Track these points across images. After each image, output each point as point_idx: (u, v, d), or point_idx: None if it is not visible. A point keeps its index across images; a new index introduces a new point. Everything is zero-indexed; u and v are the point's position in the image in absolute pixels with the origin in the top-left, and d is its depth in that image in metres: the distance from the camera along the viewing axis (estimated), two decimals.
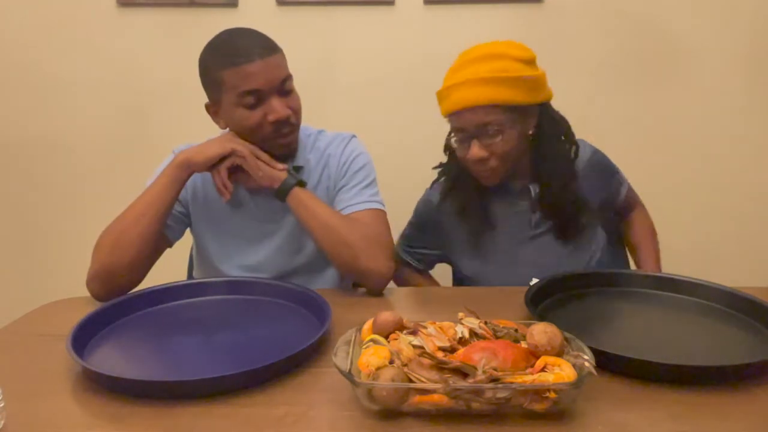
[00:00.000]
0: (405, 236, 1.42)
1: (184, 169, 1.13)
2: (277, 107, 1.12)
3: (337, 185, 1.25)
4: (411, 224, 1.41)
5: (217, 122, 1.20)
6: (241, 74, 1.09)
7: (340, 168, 1.26)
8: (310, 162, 1.26)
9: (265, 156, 1.16)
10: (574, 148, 1.25)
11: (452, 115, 1.17)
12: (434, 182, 1.35)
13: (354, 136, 1.32)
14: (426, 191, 1.37)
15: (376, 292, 1.15)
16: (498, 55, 1.13)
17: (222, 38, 1.15)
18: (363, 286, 1.18)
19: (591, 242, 1.32)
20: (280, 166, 1.17)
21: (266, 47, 1.12)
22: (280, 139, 1.16)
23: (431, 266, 1.45)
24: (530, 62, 1.16)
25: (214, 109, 1.19)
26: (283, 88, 1.13)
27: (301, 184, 1.18)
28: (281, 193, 1.16)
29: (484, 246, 1.28)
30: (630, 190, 1.42)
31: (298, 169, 1.23)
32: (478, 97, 1.12)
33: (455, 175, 1.28)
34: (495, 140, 1.14)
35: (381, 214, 1.22)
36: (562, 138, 1.24)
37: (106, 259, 1.09)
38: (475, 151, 1.15)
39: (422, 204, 1.37)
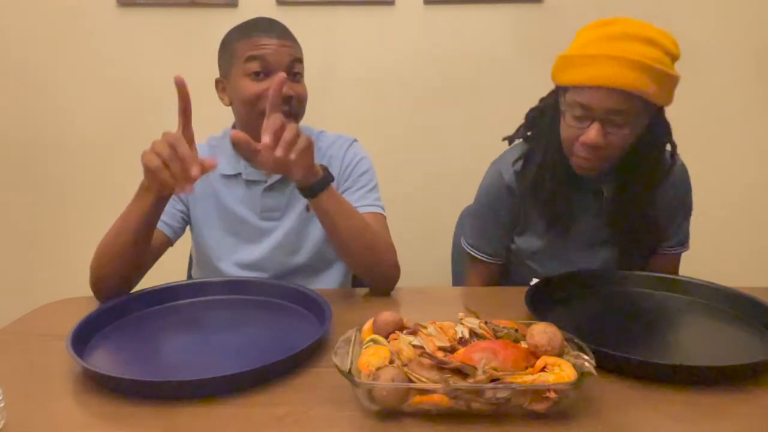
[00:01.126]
0: (473, 235, 1.31)
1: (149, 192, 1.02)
2: None
3: (340, 188, 1.25)
4: (480, 216, 1.29)
5: (222, 99, 1.22)
6: (254, 43, 1.14)
7: (343, 170, 1.26)
8: None
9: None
10: (670, 161, 1.17)
11: (585, 88, 1.02)
12: (516, 161, 1.23)
13: (356, 140, 1.32)
14: (493, 171, 1.26)
15: (385, 293, 1.16)
16: (653, 41, 1.01)
17: (248, 20, 1.20)
18: (374, 287, 1.17)
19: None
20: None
21: (285, 32, 1.18)
22: None
23: (503, 256, 1.32)
24: (676, 61, 1.05)
25: (222, 84, 1.21)
26: (292, 70, 1.16)
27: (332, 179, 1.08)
28: (320, 186, 1.03)
29: (551, 232, 1.22)
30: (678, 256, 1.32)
31: None
32: (624, 80, 0.99)
33: (540, 159, 1.17)
34: (619, 131, 1.04)
35: (383, 219, 1.23)
36: (664, 148, 1.17)
37: (97, 270, 1.08)
38: (594, 135, 1.03)
39: (493, 189, 1.25)
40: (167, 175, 0.91)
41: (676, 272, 1.31)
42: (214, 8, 1.86)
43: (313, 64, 1.86)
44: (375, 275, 1.16)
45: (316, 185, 1.02)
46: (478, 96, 1.85)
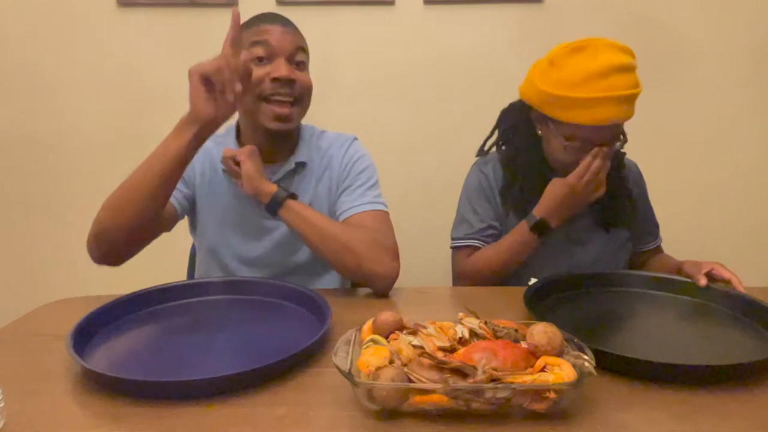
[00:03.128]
0: (457, 228, 1.36)
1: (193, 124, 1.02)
2: (280, 66, 1.14)
3: (340, 187, 1.26)
4: (462, 211, 1.36)
5: None
6: (258, 30, 1.16)
7: (343, 169, 1.26)
8: (312, 161, 1.26)
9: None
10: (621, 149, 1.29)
11: (588, 127, 1.14)
12: (487, 164, 1.36)
13: (356, 138, 1.32)
14: (475, 170, 1.37)
15: (383, 293, 1.16)
16: (632, 67, 1.13)
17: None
18: (369, 288, 1.18)
19: (619, 249, 1.34)
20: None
21: (290, 23, 1.20)
22: (276, 107, 1.15)
23: (486, 240, 1.36)
24: None
25: None
26: (295, 58, 1.17)
27: (293, 197, 1.17)
28: (272, 207, 1.15)
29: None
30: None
31: (302, 165, 1.24)
32: (623, 115, 1.14)
33: (521, 172, 1.29)
34: (610, 150, 1.18)
35: (385, 216, 1.23)
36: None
37: (107, 220, 1.04)
38: (600, 163, 1.16)
39: (474, 181, 1.35)
40: (225, 76, 0.97)
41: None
42: (214, 8, 1.86)
43: (313, 64, 1.87)
44: (362, 277, 1.15)
45: (269, 207, 1.14)
46: (478, 96, 1.85)
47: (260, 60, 1.15)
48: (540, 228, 1.21)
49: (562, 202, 1.20)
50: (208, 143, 1.25)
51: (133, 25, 1.89)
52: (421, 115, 1.93)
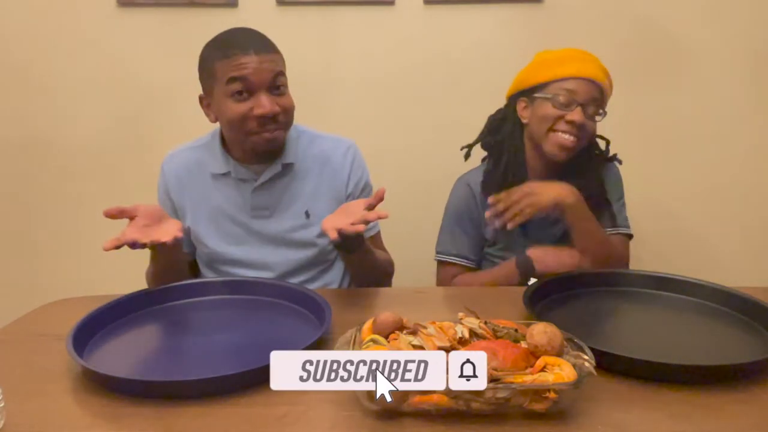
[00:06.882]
0: (443, 243, 1.40)
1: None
2: (264, 102, 1.11)
3: (348, 198, 1.26)
4: (449, 229, 1.40)
5: (207, 115, 1.21)
6: (233, 64, 1.10)
7: (352, 182, 1.27)
8: (302, 162, 1.25)
9: None
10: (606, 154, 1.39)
11: (575, 79, 1.26)
12: (485, 172, 1.39)
13: (354, 144, 1.31)
14: (461, 185, 1.40)
15: None
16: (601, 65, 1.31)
17: (223, 34, 1.17)
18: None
19: None
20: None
21: (263, 44, 1.14)
22: (266, 133, 1.14)
23: (473, 261, 1.42)
24: None
25: (206, 101, 1.19)
26: (275, 84, 1.13)
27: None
28: (357, 244, 1.12)
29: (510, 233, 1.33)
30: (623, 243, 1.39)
31: (288, 165, 1.23)
32: (603, 77, 1.28)
33: (504, 163, 1.34)
34: (591, 120, 1.28)
35: (380, 234, 1.32)
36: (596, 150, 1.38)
37: (151, 285, 1.17)
38: (578, 115, 1.25)
39: (460, 200, 1.39)
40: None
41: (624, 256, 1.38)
42: (213, 8, 1.86)
43: (313, 64, 1.87)
44: (377, 285, 1.23)
45: (352, 243, 1.10)
46: (477, 96, 1.85)
47: (239, 94, 1.11)
48: (524, 266, 1.25)
49: (555, 251, 1.27)
50: (186, 153, 1.28)
51: (133, 25, 1.88)
52: (420, 115, 1.93)
